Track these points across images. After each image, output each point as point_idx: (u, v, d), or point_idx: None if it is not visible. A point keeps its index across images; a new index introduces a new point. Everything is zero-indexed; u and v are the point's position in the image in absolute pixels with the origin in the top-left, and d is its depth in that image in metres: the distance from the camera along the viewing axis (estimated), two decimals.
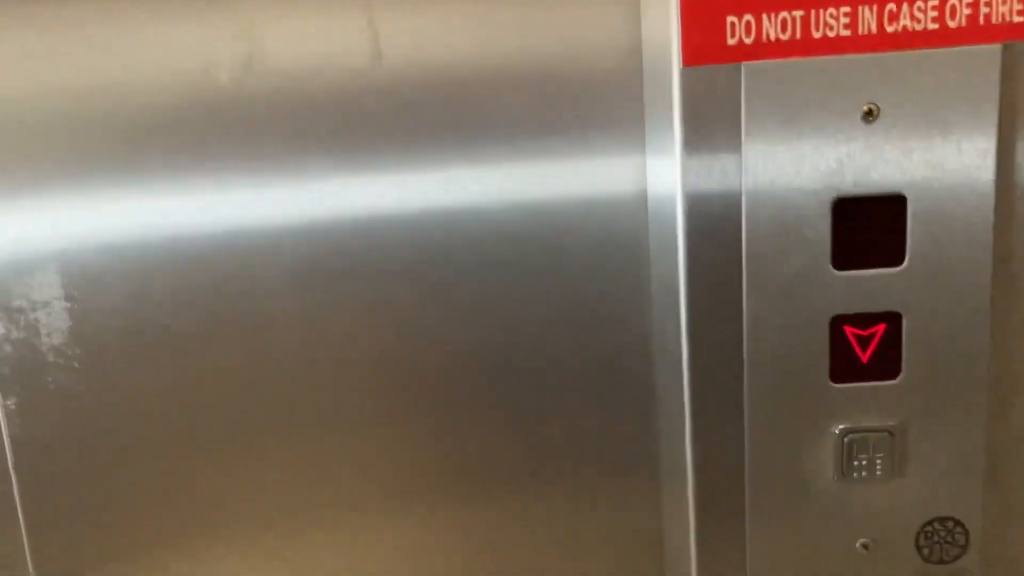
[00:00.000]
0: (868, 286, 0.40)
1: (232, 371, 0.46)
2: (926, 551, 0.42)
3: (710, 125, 0.39)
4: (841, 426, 0.41)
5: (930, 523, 0.42)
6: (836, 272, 0.39)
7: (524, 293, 0.45)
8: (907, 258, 0.39)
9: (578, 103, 0.42)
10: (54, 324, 0.45)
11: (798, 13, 0.38)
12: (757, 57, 0.38)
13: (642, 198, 0.43)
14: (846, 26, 0.38)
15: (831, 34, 0.38)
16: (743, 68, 0.38)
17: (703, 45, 0.38)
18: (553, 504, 0.47)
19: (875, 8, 0.37)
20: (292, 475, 0.47)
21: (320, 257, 0.44)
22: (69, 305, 0.45)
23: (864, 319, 0.40)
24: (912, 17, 0.37)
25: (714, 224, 0.39)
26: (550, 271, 0.44)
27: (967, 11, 0.37)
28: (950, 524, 0.42)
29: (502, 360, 0.45)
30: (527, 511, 0.47)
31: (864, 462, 0.41)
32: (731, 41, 0.38)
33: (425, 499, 0.48)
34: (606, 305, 0.45)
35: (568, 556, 0.48)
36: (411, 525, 0.48)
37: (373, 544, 0.49)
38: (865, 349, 0.40)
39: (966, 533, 0.42)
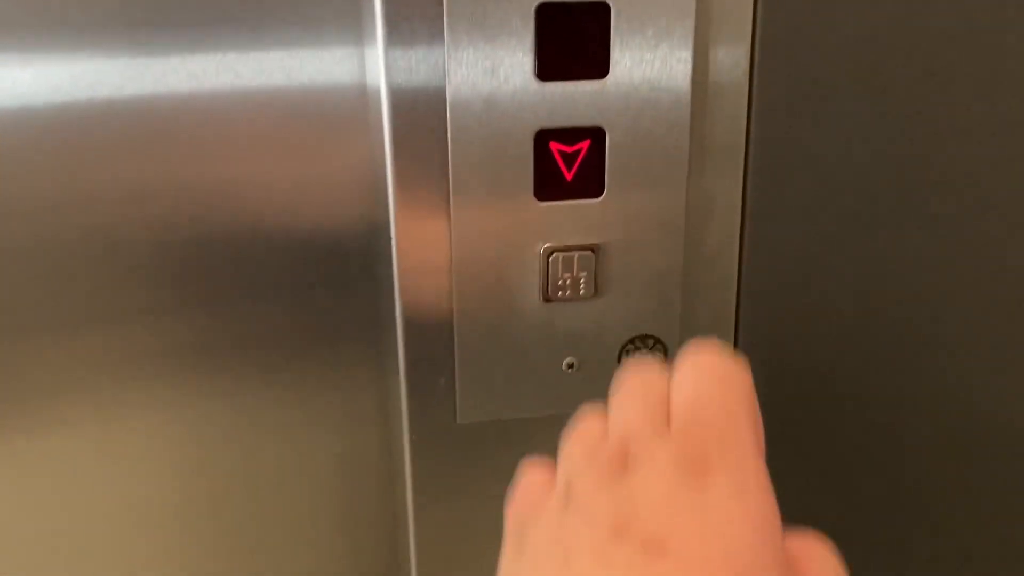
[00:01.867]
0: (572, 99, 0.39)
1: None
2: None
3: None
4: (546, 245, 0.40)
5: (632, 341, 0.42)
6: (540, 83, 0.38)
7: (256, 170, 0.42)
8: (610, 70, 0.38)
9: None
10: None
11: None
12: None
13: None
14: None
15: None
16: None
17: None
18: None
19: None
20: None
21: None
22: None
23: (569, 134, 0.39)
24: None
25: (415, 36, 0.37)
26: (280, 159, 0.42)
27: None
28: (650, 342, 0.43)
29: (228, 239, 0.43)
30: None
31: (568, 281, 0.41)
32: None
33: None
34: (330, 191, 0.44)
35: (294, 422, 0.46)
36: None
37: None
38: (570, 167, 0.40)
39: (664, 349, 0.43)
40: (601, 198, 0.40)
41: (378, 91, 0.39)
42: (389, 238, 0.41)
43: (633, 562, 0.24)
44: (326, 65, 0.42)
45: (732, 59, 0.40)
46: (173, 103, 0.41)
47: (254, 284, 0.44)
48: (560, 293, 0.41)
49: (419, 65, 0.38)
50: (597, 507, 0.27)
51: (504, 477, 0.44)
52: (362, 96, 0.41)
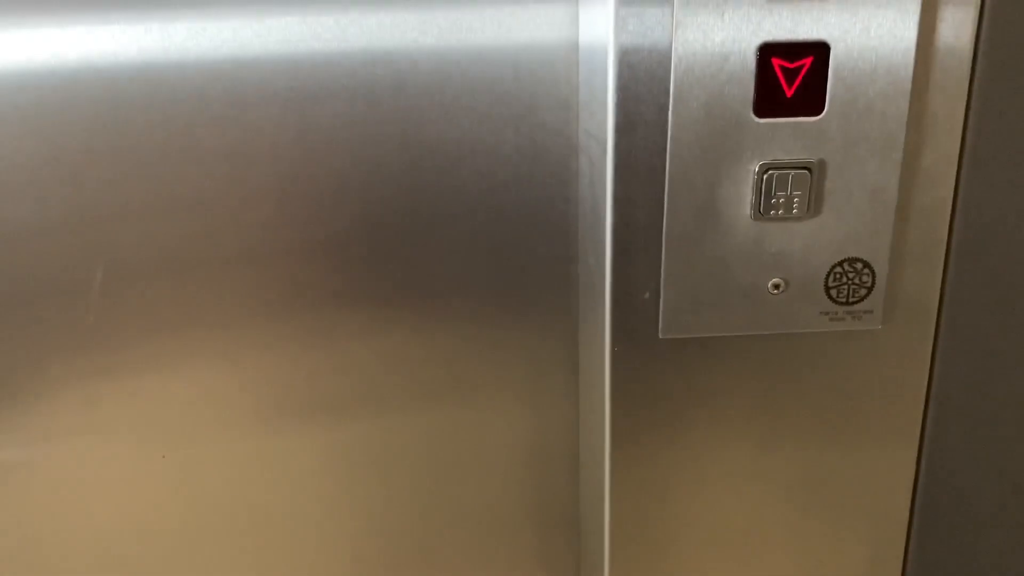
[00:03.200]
0: (797, 13, 0.38)
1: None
2: (834, 292, 0.43)
3: None
4: (761, 162, 0.40)
5: (840, 264, 0.42)
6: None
7: (453, 137, 0.45)
8: None
9: None
10: None
11: None
12: None
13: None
14: None
15: None
16: None
17: None
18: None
19: None
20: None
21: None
22: None
23: (792, 49, 0.39)
24: None
25: None
26: (483, 118, 0.45)
27: None
28: (859, 265, 0.42)
29: (432, 194, 0.45)
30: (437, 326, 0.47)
31: (782, 200, 0.41)
32: None
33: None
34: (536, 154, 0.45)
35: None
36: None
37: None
38: (791, 83, 0.40)
39: (872, 274, 0.42)
40: (820, 116, 0.40)
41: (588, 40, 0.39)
42: (597, 159, 0.42)
43: None
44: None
45: None
46: (402, 55, 0.43)
47: (455, 220, 0.46)
48: (772, 212, 0.41)
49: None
50: None
51: (703, 394, 0.45)
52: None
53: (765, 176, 0.40)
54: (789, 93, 0.40)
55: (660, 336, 0.43)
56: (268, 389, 0.49)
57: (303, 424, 0.50)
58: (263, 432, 0.50)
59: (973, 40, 0.40)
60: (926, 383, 0.45)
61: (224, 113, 0.44)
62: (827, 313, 0.43)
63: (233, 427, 0.50)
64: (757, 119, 0.40)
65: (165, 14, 0.43)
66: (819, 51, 0.39)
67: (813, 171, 0.40)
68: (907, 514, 0.49)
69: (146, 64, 0.43)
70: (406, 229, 0.47)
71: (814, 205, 0.41)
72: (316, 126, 0.45)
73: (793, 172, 0.40)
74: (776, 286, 0.42)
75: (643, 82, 0.40)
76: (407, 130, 0.45)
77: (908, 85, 0.40)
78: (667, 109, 0.40)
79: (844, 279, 0.42)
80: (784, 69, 0.39)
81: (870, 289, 0.43)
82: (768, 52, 0.39)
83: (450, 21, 0.44)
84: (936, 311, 0.44)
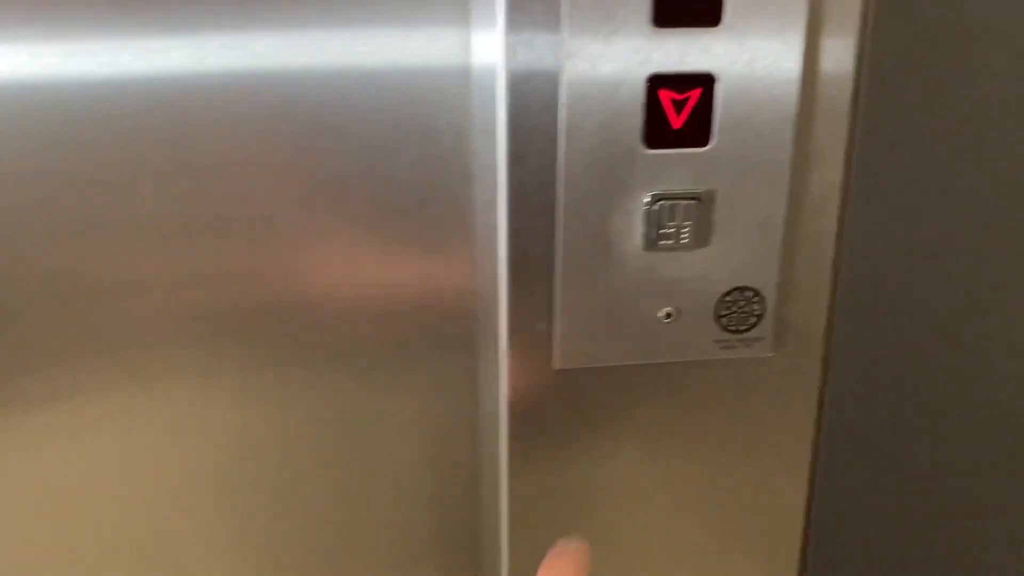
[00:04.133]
0: (686, 46, 0.38)
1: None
2: (725, 320, 0.43)
3: None
4: (651, 193, 0.40)
5: (730, 292, 0.43)
6: (655, 28, 0.38)
7: (344, 163, 0.44)
8: (723, 18, 0.38)
9: None
10: None
11: None
12: None
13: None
14: None
15: None
16: None
17: None
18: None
19: None
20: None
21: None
22: None
23: (680, 81, 0.39)
24: None
25: None
26: (375, 143, 0.44)
27: None
28: (749, 293, 0.43)
29: (312, 235, 0.44)
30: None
31: (671, 230, 0.41)
32: None
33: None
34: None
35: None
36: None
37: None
38: (679, 114, 0.40)
39: (763, 302, 0.43)
40: (709, 147, 0.40)
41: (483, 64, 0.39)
42: (495, 186, 0.41)
43: None
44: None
45: (848, 6, 0.39)
46: (289, 80, 0.42)
47: (344, 249, 0.45)
48: (663, 242, 0.41)
49: (537, 5, 0.38)
50: None
51: (600, 423, 0.45)
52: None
53: (655, 207, 0.40)
54: (677, 124, 0.40)
55: (555, 367, 0.43)
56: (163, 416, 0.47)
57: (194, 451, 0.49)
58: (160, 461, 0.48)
59: (855, 71, 0.41)
60: (816, 406, 0.46)
61: (98, 137, 0.42)
62: (719, 341, 0.43)
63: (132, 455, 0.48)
64: (647, 150, 0.40)
65: (38, 34, 0.40)
66: (706, 82, 0.39)
67: (702, 201, 0.41)
68: (801, 532, 0.50)
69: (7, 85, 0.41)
70: (295, 258, 0.45)
71: (704, 235, 0.41)
72: (198, 151, 0.43)
73: (682, 203, 0.40)
74: (668, 315, 0.43)
75: (534, 111, 0.39)
76: (296, 154, 0.44)
77: (793, 115, 0.40)
78: (557, 138, 0.39)
79: (735, 307, 0.43)
80: (672, 100, 0.39)
81: (760, 317, 0.43)
82: (656, 83, 0.39)
83: (340, 44, 0.43)
84: (825, 336, 0.45)
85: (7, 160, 0.43)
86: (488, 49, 0.40)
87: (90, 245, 0.44)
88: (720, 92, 0.39)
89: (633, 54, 0.38)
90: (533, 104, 0.39)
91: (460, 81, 0.43)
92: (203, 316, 0.46)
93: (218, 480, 0.49)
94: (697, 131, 0.40)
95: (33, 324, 0.45)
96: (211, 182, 0.44)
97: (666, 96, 0.39)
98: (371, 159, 0.44)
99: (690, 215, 0.41)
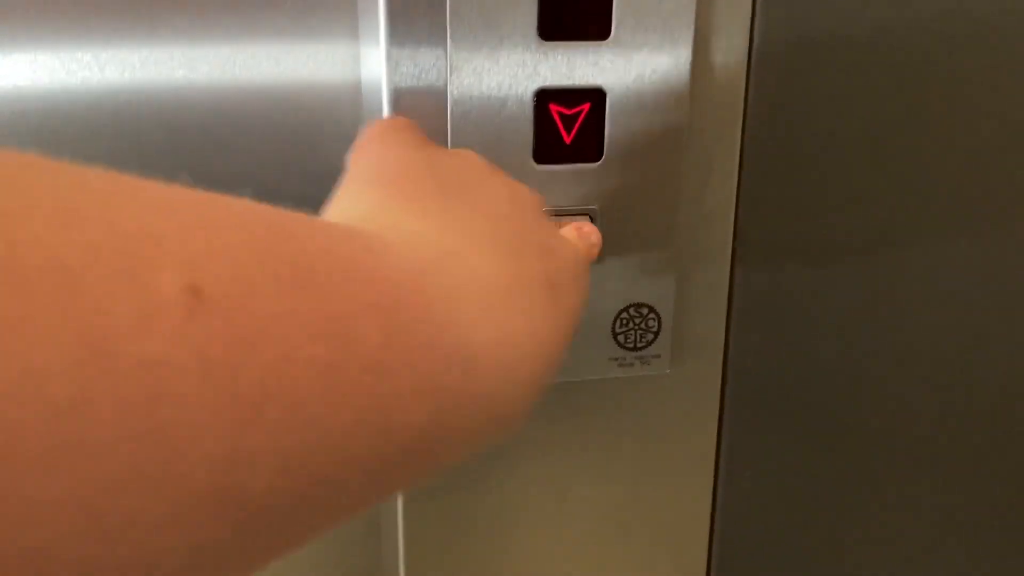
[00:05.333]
0: (574, 60, 0.38)
1: None
2: (621, 337, 0.42)
3: None
4: (543, 209, 0.40)
5: (626, 309, 0.42)
6: (542, 43, 0.37)
7: (231, 176, 0.42)
8: (612, 32, 0.38)
9: None
10: None
11: None
12: None
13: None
14: None
15: None
16: None
17: None
18: None
19: None
20: None
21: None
22: None
23: (569, 95, 0.38)
24: None
25: None
26: (264, 156, 0.42)
27: None
28: (644, 310, 0.42)
29: None
30: None
31: None
32: None
33: None
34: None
35: None
36: None
37: None
38: (569, 130, 0.39)
39: (658, 319, 0.42)
40: (599, 163, 0.39)
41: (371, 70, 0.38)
42: None
43: None
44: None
45: (735, 20, 0.39)
46: (171, 94, 0.40)
47: None
48: None
49: (420, 18, 0.37)
50: None
51: (495, 446, 0.44)
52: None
53: None
54: (568, 139, 0.39)
55: None
56: None
57: None
58: None
59: (745, 83, 0.41)
60: (717, 420, 0.46)
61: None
62: (616, 359, 0.43)
63: None
64: (537, 165, 0.39)
65: None
66: (596, 97, 0.39)
67: (594, 218, 0.40)
68: (706, 547, 0.49)
69: None
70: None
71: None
72: (91, 156, 0.41)
73: (574, 220, 0.40)
74: None
75: (420, 124, 0.38)
76: (179, 169, 0.42)
77: (683, 130, 0.40)
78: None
79: (631, 324, 0.42)
80: (562, 115, 0.39)
81: (656, 334, 0.43)
82: (545, 98, 0.38)
83: (222, 57, 0.41)
84: (722, 351, 0.45)
85: None
86: (373, 64, 0.39)
87: None
88: (610, 107, 0.39)
89: (520, 68, 0.37)
90: (417, 119, 0.38)
91: (351, 96, 0.42)
92: None
93: None
94: (588, 146, 0.39)
95: None
96: None
97: (555, 111, 0.39)
98: (260, 173, 0.43)
99: None
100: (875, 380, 0.47)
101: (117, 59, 0.40)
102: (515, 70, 0.37)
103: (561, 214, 0.40)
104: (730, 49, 0.40)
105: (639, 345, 0.43)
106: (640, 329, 0.42)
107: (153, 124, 0.41)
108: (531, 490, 0.45)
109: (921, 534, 0.52)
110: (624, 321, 0.42)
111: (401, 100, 0.38)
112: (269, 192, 0.42)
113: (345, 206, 0.27)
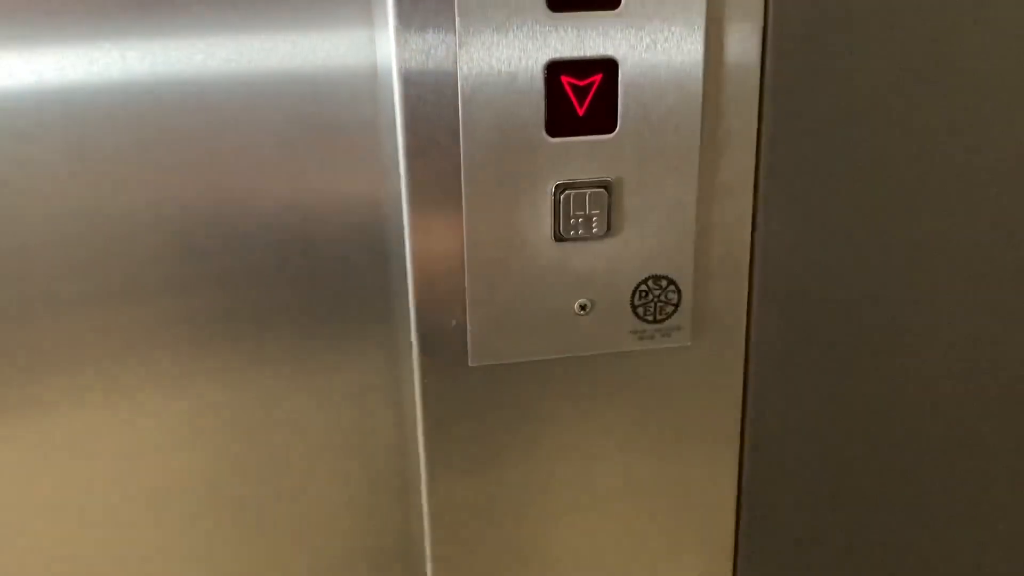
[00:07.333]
0: (584, 31, 0.38)
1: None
2: (641, 310, 0.42)
3: None
4: (557, 182, 0.39)
5: (645, 281, 0.42)
6: (552, 13, 0.37)
7: (254, 162, 0.42)
8: (622, 0, 0.37)
9: None
10: None
11: None
12: None
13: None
14: None
15: None
16: None
17: None
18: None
19: None
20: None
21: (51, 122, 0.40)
22: None
23: (580, 66, 0.38)
24: None
25: None
26: (285, 142, 0.42)
27: None
28: (664, 282, 0.42)
29: (235, 223, 0.43)
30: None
31: (580, 220, 0.40)
32: None
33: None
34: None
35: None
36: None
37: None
38: (582, 101, 0.39)
39: (678, 291, 0.42)
40: (614, 134, 0.39)
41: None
42: (398, 183, 0.40)
43: None
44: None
45: None
46: (189, 81, 0.41)
47: (264, 250, 0.44)
48: (572, 232, 0.40)
49: None
50: None
51: (519, 418, 0.44)
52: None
53: (562, 196, 0.39)
54: (581, 111, 0.39)
55: (470, 364, 0.42)
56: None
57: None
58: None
59: (760, 53, 0.40)
60: (741, 391, 0.46)
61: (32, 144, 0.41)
62: (636, 332, 0.42)
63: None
64: (550, 138, 0.39)
65: None
66: (608, 67, 0.38)
67: (610, 190, 0.40)
68: (733, 521, 0.49)
69: None
70: (207, 263, 0.44)
71: (614, 224, 0.40)
72: (98, 156, 0.42)
73: (590, 191, 0.40)
74: (582, 307, 0.42)
75: (431, 104, 0.38)
76: (202, 157, 0.42)
77: (699, 99, 0.39)
78: (458, 131, 0.38)
79: (650, 296, 0.42)
80: (574, 87, 0.39)
81: (676, 306, 0.42)
82: (556, 70, 0.38)
83: (240, 45, 0.41)
84: (745, 322, 0.44)
85: None
86: (384, 46, 0.39)
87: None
88: (623, 77, 0.38)
89: (529, 41, 0.37)
90: (429, 97, 0.38)
91: (367, 80, 0.42)
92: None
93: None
94: (601, 117, 0.39)
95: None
96: (111, 187, 0.42)
97: (567, 82, 0.38)
98: (278, 159, 0.43)
99: (598, 204, 0.40)
100: (904, 349, 0.47)
101: (137, 48, 0.41)
102: (525, 43, 0.37)
103: (577, 187, 0.39)
104: (745, 14, 0.39)
105: (659, 317, 0.42)
106: (660, 302, 0.42)
107: (173, 112, 0.42)
108: (555, 464, 0.45)
109: (949, 508, 0.51)
110: (643, 293, 0.42)
111: (412, 79, 0.38)
112: (287, 177, 0.43)
113: None
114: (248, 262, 0.44)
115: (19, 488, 0.47)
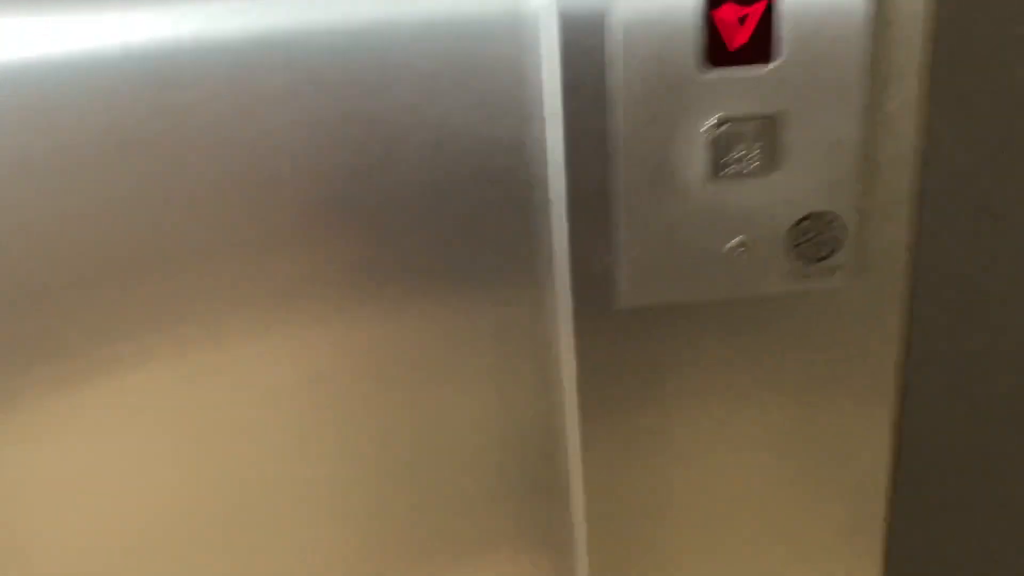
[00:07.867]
0: None
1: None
2: (800, 249, 0.41)
3: None
4: (714, 117, 0.38)
5: (806, 218, 0.40)
6: None
7: (399, 107, 0.42)
8: None
9: None
10: None
11: None
12: None
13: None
14: None
15: None
16: None
17: None
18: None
19: None
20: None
21: (186, 80, 0.41)
22: None
23: None
24: None
25: None
26: (430, 87, 0.42)
27: None
28: (826, 218, 0.40)
29: (376, 183, 0.43)
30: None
31: (737, 156, 0.39)
32: None
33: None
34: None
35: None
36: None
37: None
38: (741, 31, 0.38)
39: (841, 227, 0.40)
40: (774, 65, 0.38)
41: None
42: (542, 125, 0.40)
43: None
44: None
45: None
46: (330, 36, 0.41)
47: (408, 196, 0.44)
48: (729, 169, 0.39)
49: None
50: None
51: (669, 362, 0.43)
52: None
53: (719, 132, 0.38)
54: (740, 42, 0.37)
55: (621, 305, 0.41)
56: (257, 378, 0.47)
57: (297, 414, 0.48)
58: (255, 426, 0.48)
59: None
60: (900, 338, 0.44)
61: (155, 100, 0.42)
62: (794, 272, 0.41)
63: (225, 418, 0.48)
64: (707, 72, 0.38)
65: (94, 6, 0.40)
66: None
67: (769, 124, 0.38)
68: (887, 474, 0.47)
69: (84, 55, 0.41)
70: (355, 209, 0.44)
71: (773, 160, 0.39)
72: (255, 105, 0.42)
73: (748, 126, 0.38)
74: (738, 247, 0.40)
75: (587, 39, 0.37)
76: (348, 102, 0.43)
77: (864, 27, 0.38)
78: (612, 67, 0.38)
79: (811, 235, 0.40)
80: (734, 16, 0.37)
81: (838, 243, 0.41)
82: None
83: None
84: (908, 262, 0.42)
85: None
86: None
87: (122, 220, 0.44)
88: (784, 4, 0.37)
89: None
90: (585, 32, 0.37)
91: (511, 19, 0.42)
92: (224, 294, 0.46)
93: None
94: (762, 47, 0.38)
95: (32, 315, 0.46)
96: (267, 135, 0.43)
97: (729, 11, 0.37)
98: (423, 109, 0.43)
99: (758, 138, 0.38)
100: None
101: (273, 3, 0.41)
102: None
103: (736, 121, 0.38)
104: None
105: (820, 257, 0.41)
106: (821, 239, 0.41)
107: (320, 60, 0.42)
108: (704, 412, 0.44)
109: None
110: (803, 231, 0.40)
111: (569, 13, 0.37)
112: (433, 126, 0.43)
113: None
114: (390, 209, 0.44)
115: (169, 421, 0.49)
